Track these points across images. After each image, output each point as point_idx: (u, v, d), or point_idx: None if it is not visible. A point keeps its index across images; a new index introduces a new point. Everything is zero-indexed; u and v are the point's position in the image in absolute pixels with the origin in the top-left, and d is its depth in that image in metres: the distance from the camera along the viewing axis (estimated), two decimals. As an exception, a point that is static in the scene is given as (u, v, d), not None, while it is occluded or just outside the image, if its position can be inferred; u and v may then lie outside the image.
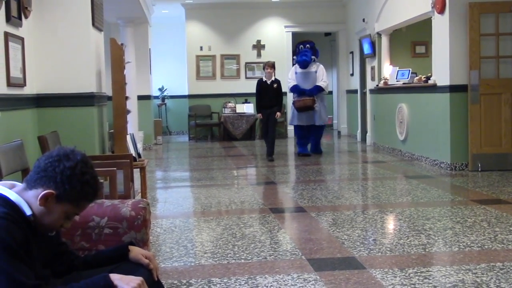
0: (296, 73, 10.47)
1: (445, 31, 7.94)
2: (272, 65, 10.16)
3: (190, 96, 14.98)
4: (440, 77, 8.21)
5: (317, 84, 10.21)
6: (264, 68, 10.29)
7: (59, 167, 1.95)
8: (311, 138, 10.56)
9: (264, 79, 10.16)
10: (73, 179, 1.96)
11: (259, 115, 10.24)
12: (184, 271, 3.87)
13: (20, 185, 2.05)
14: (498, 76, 7.79)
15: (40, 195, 1.95)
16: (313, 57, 10.42)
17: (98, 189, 2.06)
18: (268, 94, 9.99)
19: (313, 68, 10.37)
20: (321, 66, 10.48)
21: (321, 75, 10.29)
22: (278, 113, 10.05)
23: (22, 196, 2.00)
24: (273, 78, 10.09)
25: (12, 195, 1.99)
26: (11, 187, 2.03)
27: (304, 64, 10.32)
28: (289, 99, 14.01)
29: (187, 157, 11.41)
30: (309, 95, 10.19)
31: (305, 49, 10.48)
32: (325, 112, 10.45)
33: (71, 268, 2.24)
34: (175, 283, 3.58)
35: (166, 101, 16.28)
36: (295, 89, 10.39)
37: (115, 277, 1.94)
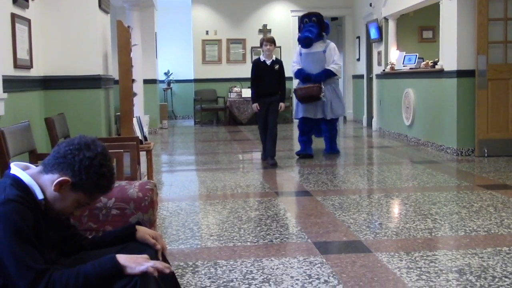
0: (300, 54, 8.34)
1: (453, 16, 7.88)
2: (272, 40, 7.76)
3: (195, 81, 14.96)
4: (447, 62, 8.16)
5: (327, 67, 8.11)
6: (261, 44, 7.79)
7: (79, 156, 1.96)
8: (324, 136, 8.57)
9: (262, 58, 7.80)
10: (91, 170, 1.96)
11: (255, 106, 7.77)
12: (190, 253, 3.89)
13: (34, 168, 2.05)
14: (506, 61, 7.75)
15: (56, 181, 1.96)
16: (323, 33, 8.28)
17: (113, 182, 2.07)
18: (267, 78, 7.70)
19: (319, 47, 8.22)
20: (332, 44, 8.28)
21: (332, 56, 8.15)
22: (282, 104, 7.72)
23: (36, 179, 2.00)
24: (273, 58, 7.80)
25: (25, 177, 1.99)
26: (25, 169, 2.03)
27: (306, 42, 8.18)
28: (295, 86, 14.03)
29: (193, 141, 11.41)
30: (315, 82, 8.12)
31: (310, 23, 8.27)
32: (340, 102, 8.33)
33: (80, 249, 2.25)
34: (181, 265, 3.60)
35: (172, 85, 16.26)
36: (298, 74, 8.31)
37: (121, 258, 1.95)
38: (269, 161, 7.60)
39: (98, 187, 2.01)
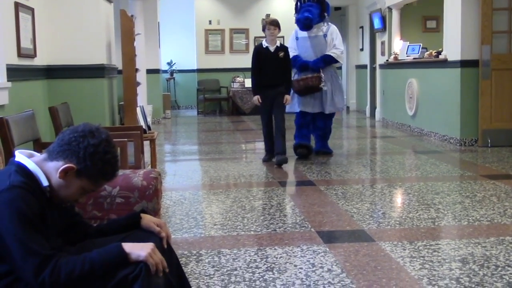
0: (297, 38, 7.30)
1: (457, 5, 7.85)
2: (275, 23, 6.72)
3: (198, 70, 14.95)
4: (451, 52, 8.14)
5: (327, 53, 7.12)
6: (264, 28, 6.79)
7: (83, 143, 1.96)
8: (315, 130, 7.48)
9: (265, 44, 6.80)
10: (95, 157, 1.97)
11: (256, 99, 6.86)
12: (194, 242, 3.90)
13: (39, 155, 2.06)
14: (510, 51, 7.72)
15: (61, 168, 1.96)
16: (325, 14, 7.24)
17: (117, 169, 2.07)
18: (270, 67, 6.71)
19: (320, 30, 7.18)
20: (333, 27, 7.27)
21: (333, 40, 7.14)
22: (287, 97, 6.76)
23: (41, 166, 2.01)
24: (277, 44, 6.81)
25: (30, 164, 2.00)
26: (30, 156, 2.04)
27: (306, 23, 7.07)
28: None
29: (196, 131, 11.41)
30: (314, 70, 7.11)
31: (309, 3, 7.19)
32: (340, 94, 7.30)
33: (85, 237, 2.26)
34: (185, 254, 3.61)
35: (175, 75, 16.25)
36: (294, 61, 7.15)
37: (127, 246, 1.95)
38: (277, 158, 6.66)
39: (103, 174, 2.02)
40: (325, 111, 7.20)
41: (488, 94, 7.71)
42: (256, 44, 11.02)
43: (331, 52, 7.12)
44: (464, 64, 7.80)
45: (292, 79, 7.07)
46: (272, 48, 6.75)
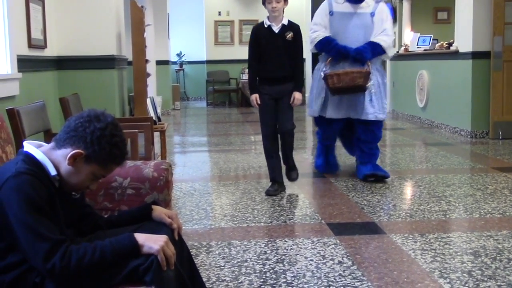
0: (331, 13, 5.25)
1: (469, -4, 7.79)
2: None
3: (208, 62, 14.94)
4: (462, 44, 8.07)
5: (373, 39, 5.16)
6: (264, 1, 4.88)
7: (90, 128, 1.95)
8: (357, 148, 5.51)
9: (267, 23, 4.87)
10: (103, 141, 1.96)
11: (254, 99, 4.89)
12: (204, 233, 3.90)
13: (47, 145, 2.06)
14: (523, 43, 7.66)
15: (69, 154, 1.96)
16: None
17: (126, 152, 2.06)
18: (274, 54, 4.83)
19: (367, 7, 5.23)
20: (383, 4, 5.36)
21: (382, 22, 5.21)
22: (297, 95, 4.84)
23: (50, 155, 2.00)
24: (283, 21, 4.85)
25: (38, 154, 1.99)
26: (38, 147, 2.04)
27: None
28: (309, 66, 13.98)
29: (205, 122, 11.41)
30: (356, 61, 5.13)
31: None
32: (382, 94, 5.34)
33: (96, 228, 2.25)
34: (195, 245, 3.61)
35: (184, 66, 16.24)
36: (327, 45, 5.22)
37: (140, 237, 1.94)
38: (290, 175, 5.14)
39: (112, 157, 2.01)
40: (368, 117, 5.22)
41: (500, 86, 7.65)
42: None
43: (379, 39, 5.17)
44: (475, 55, 7.74)
45: (322, 71, 5.23)
46: (276, 28, 4.83)
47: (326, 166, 5.77)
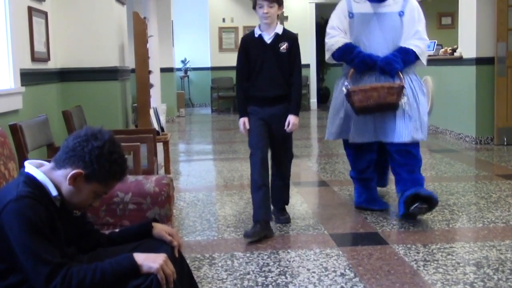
0: (350, 15, 4.38)
1: (473, 2, 7.77)
2: None
3: (212, 68, 14.97)
4: (466, 49, 8.07)
5: (403, 45, 4.28)
6: (254, 5, 4.09)
7: (88, 147, 1.97)
8: (393, 173, 4.52)
9: (258, 32, 4.15)
10: (102, 159, 1.97)
11: (242, 123, 4.23)
12: (207, 245, 3.91)
13: (48, 164, 2.07)
14: (526, 48, 7.65)
15: (69, 175, 1.97)
16: None
17: (126, 168, 2.08)
18: (264, 69, 4.12)
19: (394, 4, 4.34)
20: (414, 2, 4.43)
21: (413, 23, 4.34)
22: (292, 118, 4.10)
23: (50, 176, 2.02)
24: (277, 30, 4.11)
25: (39, 175, 2.01)
26: (39, 166, 2.05)
27: None
28: (313, 76, 14.00)
29: (210, 129, 11.43)
30: (385, 72, 4.24)
31: None
32: (420, 108, 4.38)
33: (96, 246, 2.27)
34: (198, 257, 3.62)
35: (189, 73, 16.28)
36: (348, 54, 4.32)
37: (139, 257, 1.95)
38: (277, 217, 4.31)
39: (112, 174, 2.02)
40: (402, 139, 4.29)
41: (504, 92, 7.64)
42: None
43: (412, 43, 4.30)
44: (479, 61, 7.73)
45: (344, 85, 4.31)
46: (268, 38, 4.12)
47: (371, 202, 4.63)
